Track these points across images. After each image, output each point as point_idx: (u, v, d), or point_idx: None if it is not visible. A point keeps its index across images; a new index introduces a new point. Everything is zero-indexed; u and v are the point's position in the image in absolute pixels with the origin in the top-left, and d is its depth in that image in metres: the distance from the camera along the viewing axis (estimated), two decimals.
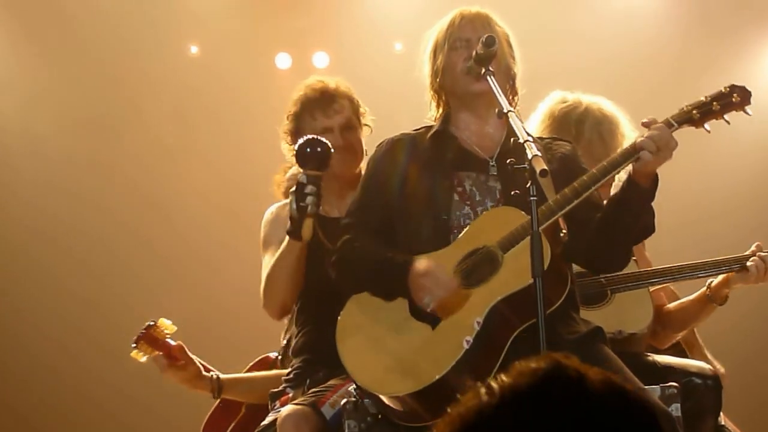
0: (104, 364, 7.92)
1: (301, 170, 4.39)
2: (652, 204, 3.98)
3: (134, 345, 4.83)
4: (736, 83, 4.04)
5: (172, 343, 4.86)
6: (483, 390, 1.80)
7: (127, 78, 8.25)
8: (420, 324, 3.95)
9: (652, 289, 4.81)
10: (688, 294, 4.95)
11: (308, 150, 4.38)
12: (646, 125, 3.92)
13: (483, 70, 3.99)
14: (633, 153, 3.88)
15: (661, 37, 8.23)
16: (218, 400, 5.15)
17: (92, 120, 8.25)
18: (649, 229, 4.07)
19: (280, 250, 4.57)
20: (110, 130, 8.29)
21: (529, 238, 3.64)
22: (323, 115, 4.74)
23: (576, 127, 4.82)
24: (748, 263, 4.68)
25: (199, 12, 8.27)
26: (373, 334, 4.03)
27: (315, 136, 4.44)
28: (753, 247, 4.74)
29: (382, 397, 3.94)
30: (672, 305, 4.95)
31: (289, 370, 4.73)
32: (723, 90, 4.01)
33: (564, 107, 4.88)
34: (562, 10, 8.24)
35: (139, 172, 8.32)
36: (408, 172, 4.17)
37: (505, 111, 3.83)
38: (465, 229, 4.02)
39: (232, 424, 5.21)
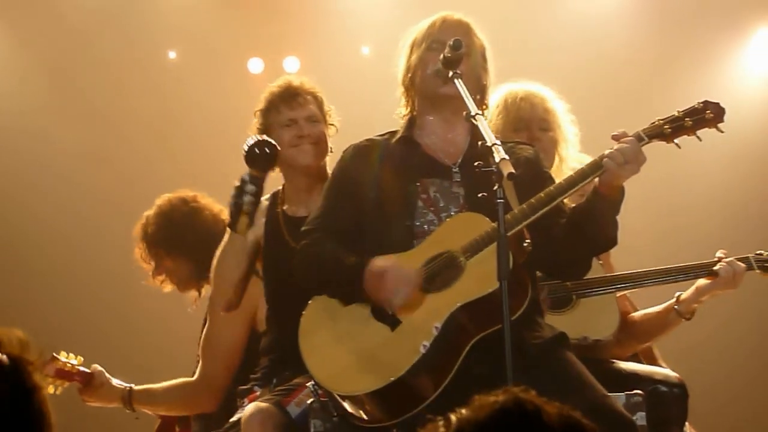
0: None
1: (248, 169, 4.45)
2: (617, 217, 3.97)
3: None
4: (710, 99, 3.99)
5: (86, 370, 5.03)
6: (441, 423, 1.81)
7: (106, 80, 8.27)
8: (380, 325, 3.94)
9: (618, 294, 4.80)
10: (647, 301, 4.95)
11: (256, 150, 4.44)
12: (616, 138, 3.90)
13: (450, 73, 3.99)
14: (601, 165, 3.87)
15: (628, 42, 8.27)
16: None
17: (78, 118, 8.26)
18: (611, 241, 4.06)
19: (221, 245, 4.64)
20: (89, 131, 8.30)
21: (493, 245, 3.64)
22: (288, 107, 4.80)
23: (521, 103, 4.81)
24: (717, 267, 4.67)
25: (176, 17, 8.29)
26: (334, 333, 4.02)
27: (264, 137, 4.51)
28: (718, 254, 4.74)
29: (340, 397, 3.94)
30: (637, 314, 4.93)
31: (257, 368, 4.74)
32: (696, 105, 3.97)
33: (513, 91, 4.87)
34: (529, 15, 8.26)
35: (115, 172, 8.31)
36: (378, 177, 4.16)
37: (472, 114, 3.83)
38: (429, 234, 4.02)
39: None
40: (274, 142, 4.48)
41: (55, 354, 4.99)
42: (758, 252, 4.83)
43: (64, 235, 8.35)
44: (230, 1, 8.47)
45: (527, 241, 3.94)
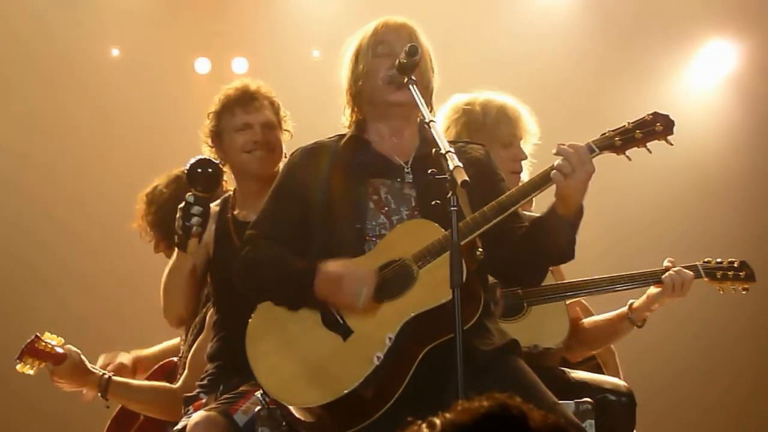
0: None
1: (191, 190, 4.37)
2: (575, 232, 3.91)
3: (18, 359, 4.84)
4: (659, 111, 3.97)
5: (61, 351, 4.88)
6: (424, 425, 1.79)
7: (51, 77, 8.16)
8: (331, 334, 3.87)
9: (568, 302, 4.80)
10: (600, 306, 4.96)
11: (199, 170, 4.36)
12: (558, 152, 3.83)
13: (405, 79, 3.95)
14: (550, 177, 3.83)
15: (575, 51, 8.34)
16: (118, 408, 5.16)
17: (15, 116, 8.15)
18: (565, 256, 4.00)
19: (170, 262, 4.56)
20: (33, 128, 8.20)
21: (446, 254, 3.60)
22: (243, 112, 4.74)
23: (482, 109, 4.80)
24: (663, 277, 4.70)
25: (120, 14, 8.21)
26: (284, 340, 3.94)
27: (206, 157, 4.43)
28: (666, 263, 4.77)
29: (291, 407, 3.88)
30: (588, 321, 4.95)
31: (203, 375, 4.67)
32: (646, 117, 3.95)
33: (467, 100, 4.86)
34: (475, 22, 8.28)
35: (61, 167, 8.23)
36: (326, 179, 4.10)
37: (427, 120, 3.79)
38: (380, 240, 3.96)
39: (134, 428, 5.16)
40: (216, 161, 4.41)
41: (38, 334, 4.87)
42: (706, 260, 4.86)
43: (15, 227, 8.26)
44: None
45: (479, 249, 3.92)
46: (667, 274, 4.71)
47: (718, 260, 4.86)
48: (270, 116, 4.77)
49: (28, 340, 4.85)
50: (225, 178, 4.81)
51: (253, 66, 8.23)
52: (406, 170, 4.08)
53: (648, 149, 3.94)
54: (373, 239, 3.98)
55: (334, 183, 4.08)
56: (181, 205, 4.37)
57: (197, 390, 4.63)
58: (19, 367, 4.85)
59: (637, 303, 4.79)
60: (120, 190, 8.07)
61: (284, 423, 3.98)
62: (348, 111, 4.21)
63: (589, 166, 3.77)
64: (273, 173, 4.67)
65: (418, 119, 4.08)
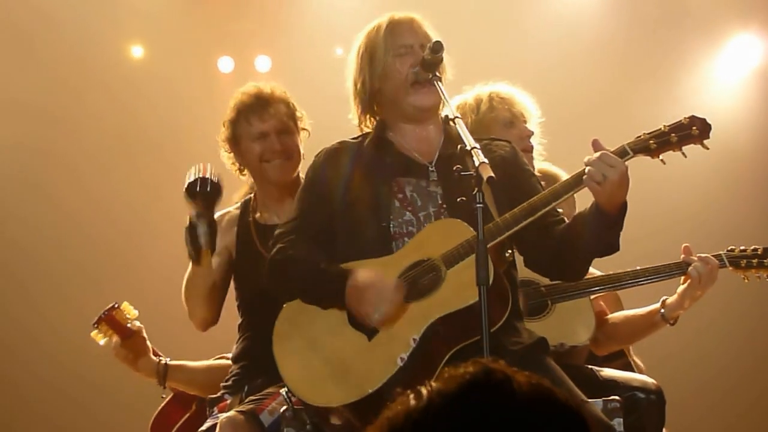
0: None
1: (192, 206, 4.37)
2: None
3: (95, 325, 4.77)
4: (696, 114, 3.93)
5: (131, 327, 4.80)
6: (411, 395, 1.81)
7: (73, 76, 8.17)
8: (356, 333, 3.87)
9: (592, 297, 4.76)
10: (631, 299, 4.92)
11: (196, 189, 4.34)
12: (594, 146, 3.78)
13: (430, 76, 3.93)
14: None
15: (601, 43, 8.30)
16: (170, 395, 5.11)
17: (39, 115, 8.18)
18: (612, 247, 3.91)
19: (187, 273, 4.55)
20: (55, 127, 8.24)
21: (473, 255, 3.56)
22: (259, 119, 4.70)
23: (475, 100, 4.75)
24: (689, 269, 4.65)
25: (143, 14, 8.22)
26: (310, 339, 3.94)
27: (204, 175, 4.38)
28: (682, 249, 4.72)
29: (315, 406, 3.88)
30: (619, 315, 4.90)
31: (228, 376, 4.66)
32: (683, 121, 3.91)
33: (459, 102, 4.81)
34: (508, 10, 8.24)
35: (84, 167, 8.27)
36: (350, 179, 4.08)
37: (452, 117, 3.78)
38: (410, 239, 3.93)
39: (182, 420, 5.12)
40: (216, 178, 4.37)
41: (117, 303, 4.81)
42: (729, 248, 4.82)
43: (20, 238, 8.27)
44: None
45: (509, 251, 3.89)
46: (692, 265, 4.66)
47: (742, 248, 4.81)
48: (285, 121, 4.72)
49: (107, 307, 4.78)
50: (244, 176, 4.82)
51: (276, 64, 8.23)
52: (430, 169, 4.05)
53: (683, 153, 3.90)
54: (402, 237, 3.96)
55: (357, 183, 4.07)
56: (186, 225, 4.39)
57: (222, 391, 4.62)
58: (93, 334, 4.78)
59: (670, 300, 4.75)
60: (143, 189, 8.13)
61: (309, 424, 3.97)
62: (356, 110, 4.18)
63: (620, 167, 3.70)
64: (292, 179, 4.70)
65: (442, 115, 4.05)
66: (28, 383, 8.20)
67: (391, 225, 3.97)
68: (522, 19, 8.31)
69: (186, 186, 4.36)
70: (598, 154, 3.72)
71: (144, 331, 4.84)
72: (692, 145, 3.90)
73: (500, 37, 8.08)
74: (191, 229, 4.35)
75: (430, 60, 3.93)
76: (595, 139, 3.80)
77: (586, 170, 3.72)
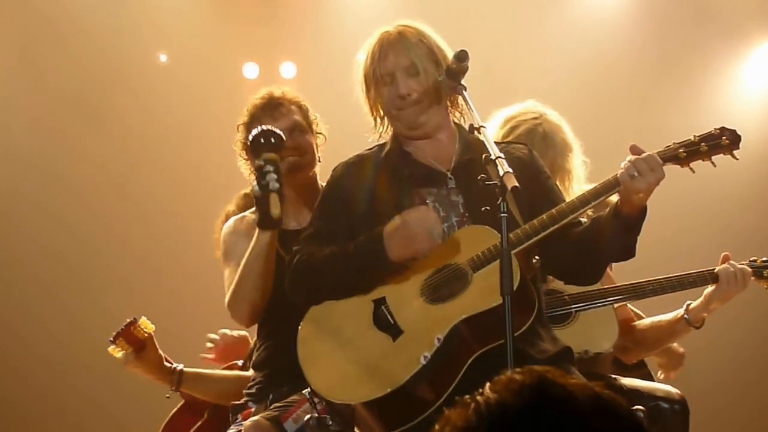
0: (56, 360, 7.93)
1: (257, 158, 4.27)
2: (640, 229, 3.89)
3: (112, 341, 4.76)
4: (726, 126, 3.95)
5: (141, 337, 4.81)
6: (471, 407, 1.78)
7: (98, 83, 8.25)
8: (381, 335, 3.89)
9: (616, 305, 4.75)
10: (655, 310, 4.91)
11: (261, 140, 4.27)
12: (632, 151, 3.82)
13: (456, 85, 3.94)
14: (615, 184, 3.81)
15: (628, 48, 8.28)
16: (181, 402, 5.14)
17: (64, 123, 8.25)
18: (629, 252, 3.95)
19: (251, 247, 4.43)
20: (79, 137, 8.29)
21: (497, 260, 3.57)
22: (270, 119, 4.68)
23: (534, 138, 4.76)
24: (718, 271, 4.65)
25: (168, 20, 8.24)
26: (334, 342, 3.95)
27: (267, 127, 4.33)
28: (723, 256, 4.72)
29: (338, 405, 3.90)
30: (645, 323, 4.91)
31: (251, 383, 4.66)
32: (713, 131, 3.93)
33: (524, 116, 4.83)
34: (529, 15, 8.23)
35: (101, 177, 8.31)
36: (372, 189, 4.10)
37: (476, 126, 3.77)
38: (437, 245, 3.92)
39: (193, 428, 5.14)
40: (279, 131, 4.30)
41: (135, 318, 4.79)
42: (752, 258, 4.81)
43: (47, 239, 8.32)
44: (225, 2, 8.41)
45: (536, 258, 3.89)
46: (722, 268, 4.66)
47: (764, 258, 4.81)
48: (298, 120, 4.72)
49: (125, 323, 4.77)
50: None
51: (301, 70, 8.24)
52: (449, 176, 4.07)
53: (713, 163, 3.92)
54: None
55: (379, 194, 4.09)
56: (253, 172, 4.34)
57: (245, 399, 4.62)
58: (110, 349, 4.77)
59: (694, 304, 4.75)
60: (168, 194, 8.16)
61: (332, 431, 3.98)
62: (374, 121, 4.23)
63: (660, 173, 3.75)
64: (307, 177, 4.70)
65: (465, 124, 4.06)
66: (58, 387, 8.25)
67: None
68: (544, 24, 8.30)
69: (250, 138, 4.29)
70: (645, 154, 3.76)
71: (154, 338, 4.84)
72: (722, 155, 3.91)
73: (522, 43, 8.08)
74: (259, 172, 4.20)
75: (455, 68, 3.94)
76: (633, 144, 3.83)
77: (624, 164, 3.76)
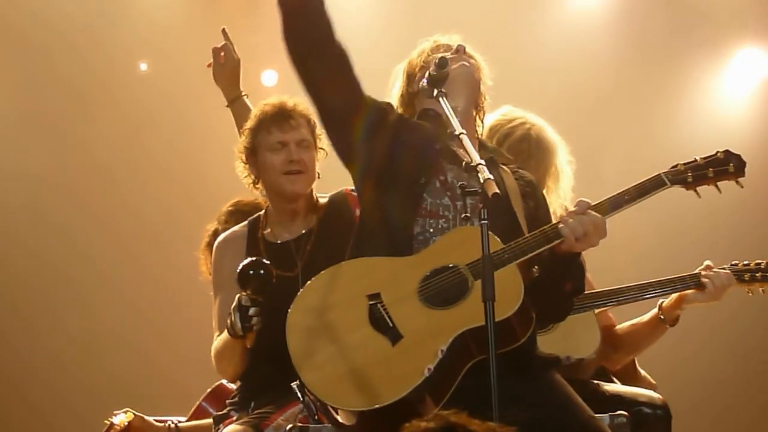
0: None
1: (243, 292, 4.27)
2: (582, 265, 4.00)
3: None
4: (731, 150, 3.99)
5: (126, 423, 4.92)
6: None
7: (79, 93, 8.27)
8: (379, 336, 3.80)
9: (597, 311, 4.76)
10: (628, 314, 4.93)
11: (251, 272, 4.26)
12: (579, 206, 3.86)
13: (435, 92, 3.94)
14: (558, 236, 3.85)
15: (608, 55, 8.31)
16: None
17: (48, 133, 8.27)
18: (578, 290, 4.07)
19: (221, 340, 4.46)
20: (66, 144, 8.31)
21: (501, 269, 3.64)
22: (279, 130, 4.67)
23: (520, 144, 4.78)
24: (704, 280, 4.66)
25: (148, 28, 8.25)
26: (328, 338, 3.84)
27: (258, 258, 4.33)
28: (705, 264, 4.74)
29: (334, 409, 3.82)
30: (623, 327, 4.93)
31: (234, 393, 4.65)
32: (718, 155, 3.98)
33: (511, 123, 4.84)
34: (516, 21, 8.28)
35: (82, 192, 8.34)
36: (398, 132, 4.11)
37: (456, 133, 3.76)
38: (434, 241, 3.93)
39: None
40: (268, 262, 4.30)
41: (111, 420, 4.90)
42: (733, 262, 4.82)
43: (38, 246, 8.31)
44: (205, 11, 8.39)
45: (536, 267, 3.92)
46: (705, 275, 4.69)
47: (745, 262, 4.83)
48: (306, 135, 4.69)
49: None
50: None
51: (283, 78, 8.21)
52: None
53: (718, 188, 3.95)
54: (434, 216, 3.98)
55: (406, 138, 4.09)
56: (235, 305, 4.26)
57: (228, 408, 4.60)
58: None
59: (666, 302, 4.80)
60: (159, 202, 8.15)
61: None
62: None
63: (604, 234, 3.83)
64: (306, 194, 4.69)
65: (447, 131, 4.06)
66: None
67: (428, 200, 4.00)
68: (530, 28, 8.32)
69: (239, 268, 4.27)
70: (592, 214, 3.83)
71: (140, 416, 4.94)
72: (727, 181, 3.95)
73: (507, 46, 8.08)
74: (242, 313, 4.22)
75: (436, 75, 3.95)
76: (581, 199, 3.89)
77: (570, 224, 3.82)
